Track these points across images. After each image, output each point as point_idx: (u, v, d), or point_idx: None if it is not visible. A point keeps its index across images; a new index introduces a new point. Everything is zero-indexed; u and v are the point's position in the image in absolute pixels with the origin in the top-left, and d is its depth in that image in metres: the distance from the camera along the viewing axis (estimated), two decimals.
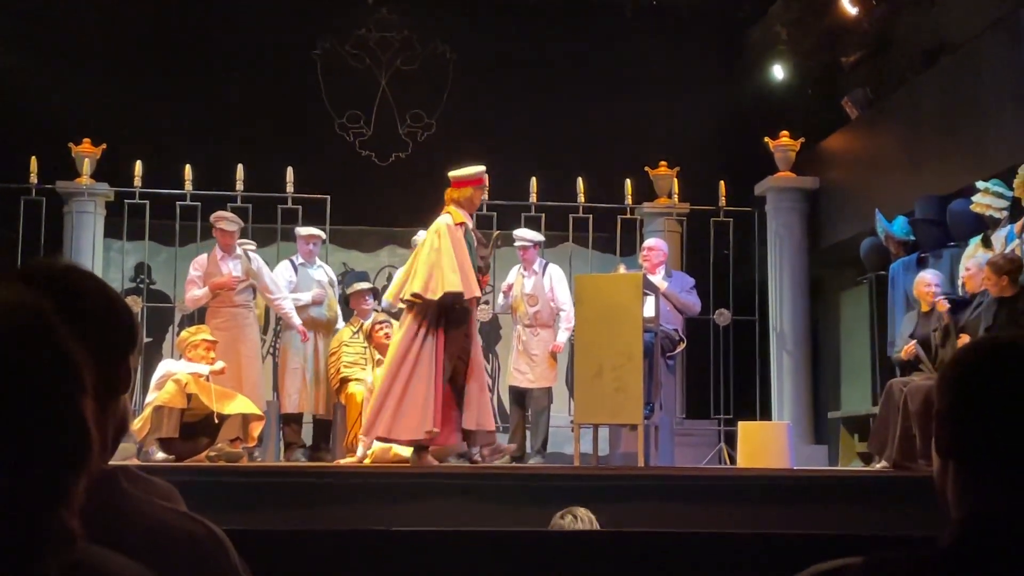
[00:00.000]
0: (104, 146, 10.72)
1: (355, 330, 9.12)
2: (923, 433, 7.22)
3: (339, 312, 9.59)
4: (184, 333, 8.64)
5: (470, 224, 7.64)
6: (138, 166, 10.12)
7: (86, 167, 10.59)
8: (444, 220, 7.49)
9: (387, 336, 8.50)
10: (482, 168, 7.81)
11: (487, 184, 8.15)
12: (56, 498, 0.99)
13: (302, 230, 9.68)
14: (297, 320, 9.10)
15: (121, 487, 1.40)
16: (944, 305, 7.66)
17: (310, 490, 6.68)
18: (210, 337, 8.41)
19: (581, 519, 4.66)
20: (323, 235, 9.85)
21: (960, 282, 8.08)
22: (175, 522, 1.41)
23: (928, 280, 8.02)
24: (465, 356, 7.36)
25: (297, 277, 9.42)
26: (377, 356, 8.69)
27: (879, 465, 7.66)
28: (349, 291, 9.36)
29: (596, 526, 4.65)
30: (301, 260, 9.52)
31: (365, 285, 9.43)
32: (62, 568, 1.02)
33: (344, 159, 12.20)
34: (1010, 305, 7.31)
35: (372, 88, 12.49)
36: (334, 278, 9.73)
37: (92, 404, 1.02)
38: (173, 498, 1.60)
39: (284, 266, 9.53)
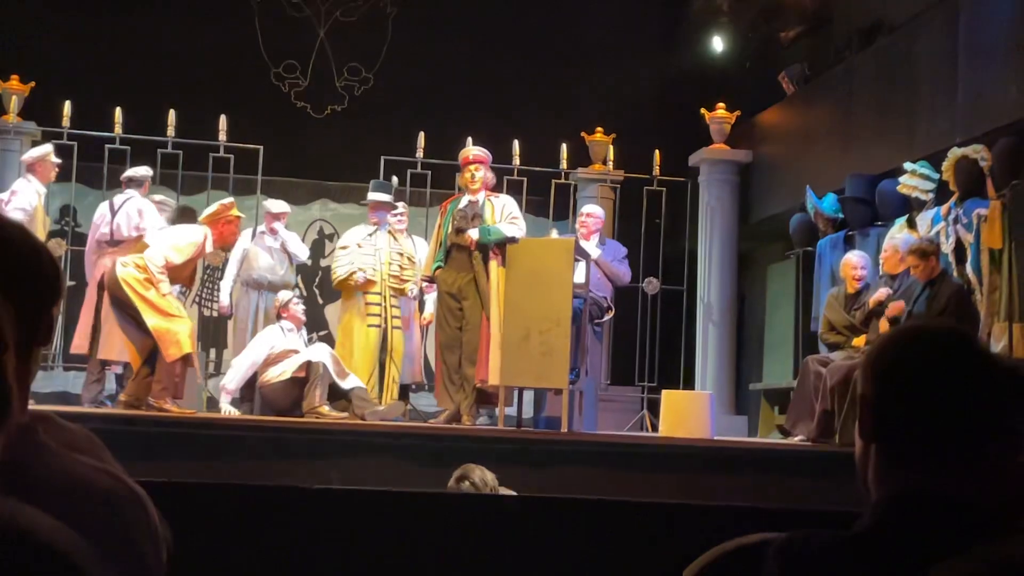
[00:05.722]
0: (33, 84, 10.49)
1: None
2: (840, 410, 7.34)
3: (291, 278, 9.59)
4: (219, 207, 8.16)
5: (462, 201, 8.38)
6: (67, 106, 9.92)
7: (13, 105, 10.36)
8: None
9: (304, 312, 8.91)
10: (464, 150, 8.71)
11: (469, 161, 8.52)
12: None
13: (273, 207, 9.61)
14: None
15: (39, 440, 1.37)
16: (884, 296, 7.70)
17: (238, 443, 6.66)
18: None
19: (477, 484, 4.56)
20: (289, 211, 9.82)
21: (880, 260, 8.19)
22: (93, 478, 1.38)
23: (855, 263, 8.12)
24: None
25: (251, 244, 9.50)
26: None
27: (796, 439, 7.78)
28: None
29: (496, 487, 4.59)
30: (262, 229, 9.59)
31: (382, 196, 9.26)
32: None
33: (279, 109, 12.05)
34: (933, 287, 7.43)
35: (310, 39, 12.34)
36: (291, 242, 9.61)
37: (14, 359, 1.00)
38: (94, 446, 1.57)
39: (245, 234, 9.56)
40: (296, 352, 8.40)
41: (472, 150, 8.63)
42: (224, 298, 9.55)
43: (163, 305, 7.70)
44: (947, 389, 1.45)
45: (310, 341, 8.99)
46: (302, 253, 9.68)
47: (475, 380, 8.03)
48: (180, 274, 7.94)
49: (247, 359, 8.42)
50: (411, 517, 2.88)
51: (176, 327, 7.68)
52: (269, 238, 9.51)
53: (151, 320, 7.63)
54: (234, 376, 8.39)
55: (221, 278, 10.90)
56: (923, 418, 1.45)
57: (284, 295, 8.83)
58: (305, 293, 10.08)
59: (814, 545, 1.43)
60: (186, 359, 7.74)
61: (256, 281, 9.36)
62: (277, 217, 9.54)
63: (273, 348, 8.41)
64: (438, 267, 8.30)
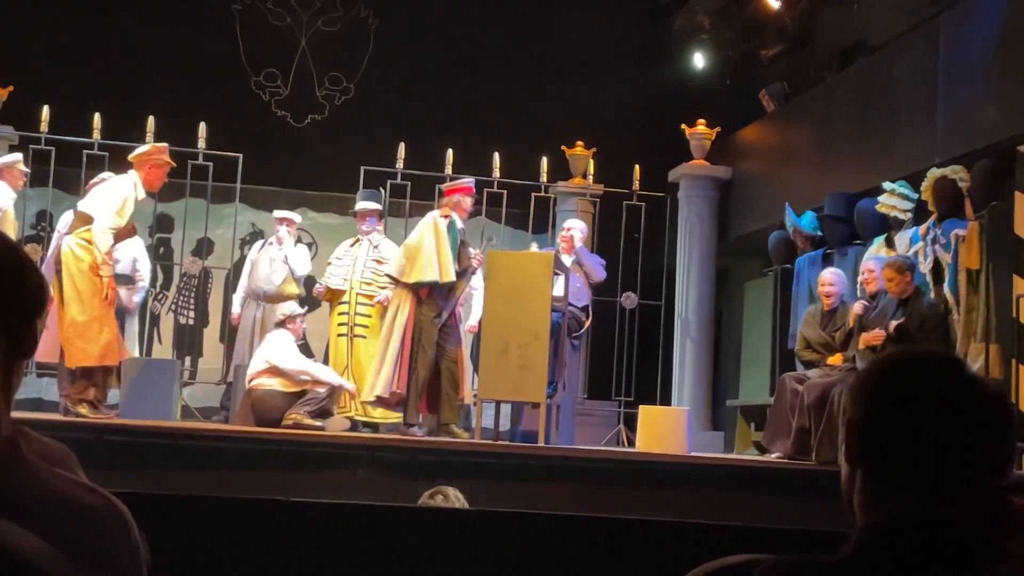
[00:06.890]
0: (11, 88, 10.41)
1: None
2: (817, 428, 7.36)
3: (292, 289, 9.52)
4: (151, 147, 8.17)
5: (459, 224, 8.23)
6: (45, 111, 9.86)
7: None
8: (432, 215, 8.29)
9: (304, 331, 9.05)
10: (469, 179, 8.77)
11: (472, 190, 8.63)
12: None
13: (280, 212, 9.71)
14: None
15: (21, 455, 1.35)
16: (860, 309, 7.75)
17: (215, 454, 6.63)
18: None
19: (451, 500, 4.57)
20: (298, 220, 9.90)
21: (860, 281, 8.21)
22: (75, 495, 1.37)
23: (827, 280, 8.16)
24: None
25: (259, 255, 9.57)
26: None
27: (773, 456, 7.79)
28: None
29: (467, 507, 4.59)
30: (271, 240, 9.63)
31: (373, 205, 9.41)
32: None
33: (259, 118, 12.02)
34: (909, 304, 7.46)
35: (291, 47, 12.31)
36: (292, 255, 9.56)
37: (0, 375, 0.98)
38: (69, 460, 1.56)
39: (257, 244, 9.83)
40: None
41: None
42: (236, 308, 9.63)
43: (92, 304, 7.57)
44: (935, 414, 1.45)
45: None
46: (300, 269, 9.56)
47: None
48: (120, 227, 7.88)
49: (303, 359, 8.46)
50: (388, 531, 2.87)
51: (90, 335, 7.54)
52: (275, 248, 9.48)
53: (70, 315, 7.51)
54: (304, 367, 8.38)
55: (197, 286, 10.88)
56: (911, 443, 1.45)
57: (295, 308, 8.83)
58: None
59: (800, 570, 1.42)
60: (102, 368, 7.63)
61: (253, 291, 9.39)
62: (283, 222, 9.54)
63: None
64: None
